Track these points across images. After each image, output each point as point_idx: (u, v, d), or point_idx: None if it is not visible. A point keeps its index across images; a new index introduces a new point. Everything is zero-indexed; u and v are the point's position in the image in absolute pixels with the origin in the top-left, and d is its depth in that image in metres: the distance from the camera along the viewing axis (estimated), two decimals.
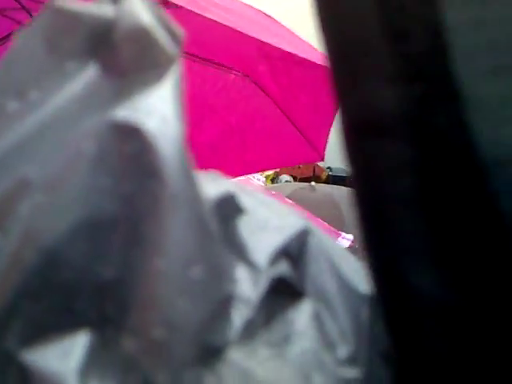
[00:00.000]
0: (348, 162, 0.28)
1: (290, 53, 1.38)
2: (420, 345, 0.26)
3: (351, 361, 0.31)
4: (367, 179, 0.27)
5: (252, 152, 1.98)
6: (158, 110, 0.24)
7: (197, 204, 0.24)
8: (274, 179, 4.97)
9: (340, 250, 0.38)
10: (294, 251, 0.34)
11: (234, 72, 1.81)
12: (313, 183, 3.09)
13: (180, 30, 0.26)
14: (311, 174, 4.93)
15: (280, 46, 1.42)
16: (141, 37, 0.24)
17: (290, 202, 2.10)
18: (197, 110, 1.95)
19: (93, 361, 0.24)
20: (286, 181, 4.86)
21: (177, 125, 0.24)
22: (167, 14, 0.26)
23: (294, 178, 5.04)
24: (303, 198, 2.62)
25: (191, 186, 0.24)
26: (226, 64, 1.78)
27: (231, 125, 1.95)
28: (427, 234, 0.25)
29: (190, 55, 1.71)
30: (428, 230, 0.25)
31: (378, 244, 0.28)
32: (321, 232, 0.37)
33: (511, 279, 0.23)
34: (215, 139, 1.99)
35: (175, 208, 0.24)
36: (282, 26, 1.64)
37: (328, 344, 0.31)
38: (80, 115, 0.24)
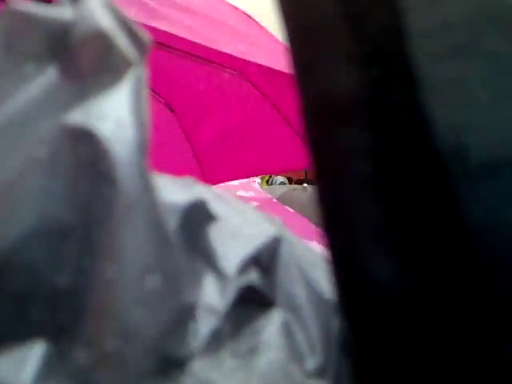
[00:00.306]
0: (308, 149, 0.27)
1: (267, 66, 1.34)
2: (379, 335, 0.25)
3: (319, 373, 0.31)
4: (325, 166, 0.26)
5: (250, 154, 1.95)
6: (113, 114, 0.23)
7: (153, 211, 0.24)
8: (268, 181, 4.96)
9: (313, 257, 0.37)
10: (265, 260, 0.33)
11: (229, 71, 1.78)
12: (305, 185, 3.10)
13: (144, 34, 0.25)
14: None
15: (255, 60, 1.37)
16: (99, 40, 0.23)
17: (292, 210, 2.09)
18: (193, 110, 1.94)
19: (47, 372, 0.24)
20: (281, 182, 4.86)
21: (133, 129, 0.23)
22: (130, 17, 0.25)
23: (290, 180, 5.03)
24: (293, 198, 2.64)
25: (147, 191, 0.24)
26: (219, 62, 1.76)
27: (228, 125, 1.92)
28: (385, 221, 0.24)
29: (182, 52, 1.69)
30: (386, 217, 0.24)
31: (336, 233, 0.27)
32: (294, 239, 0.37)
33: (470, 267, 0.22)
34: (213, 140, 1.97)
35: (130, 215, 0.23)
36: (260, 26, 1.57)
37: (296, 355, 0.31)
38: (37, 119, 0.23)
